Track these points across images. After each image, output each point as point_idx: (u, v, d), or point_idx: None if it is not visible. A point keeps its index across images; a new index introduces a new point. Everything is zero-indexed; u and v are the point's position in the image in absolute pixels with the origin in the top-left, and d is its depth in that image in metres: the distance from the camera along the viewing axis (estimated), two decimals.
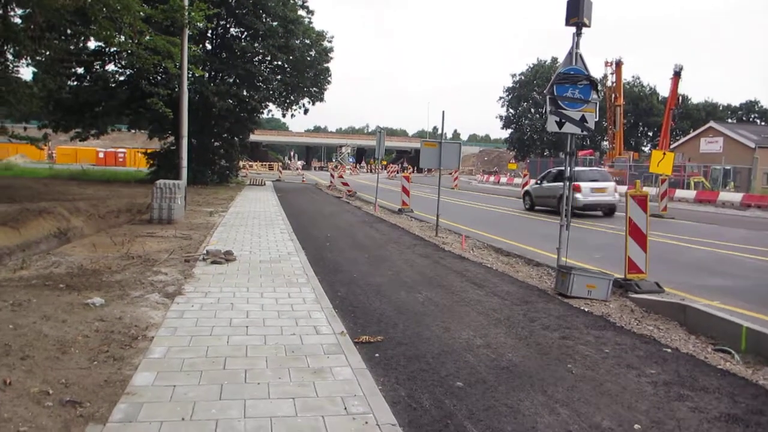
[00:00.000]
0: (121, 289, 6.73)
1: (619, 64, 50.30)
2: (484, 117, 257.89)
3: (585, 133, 8.51)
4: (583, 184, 19.64)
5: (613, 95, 51.32)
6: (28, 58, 21.94)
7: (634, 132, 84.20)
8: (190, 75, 29.54)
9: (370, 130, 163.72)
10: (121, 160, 65.50)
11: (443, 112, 13.36)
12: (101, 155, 65.48)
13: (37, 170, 38.29)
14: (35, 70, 26.53)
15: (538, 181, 23.59)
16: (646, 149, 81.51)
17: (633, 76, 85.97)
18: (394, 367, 4.75)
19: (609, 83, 52.80)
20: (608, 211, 20.49)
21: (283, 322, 5.72)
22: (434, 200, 26.61)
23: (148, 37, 16.22)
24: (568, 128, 8.15)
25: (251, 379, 4.21)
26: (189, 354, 4.67)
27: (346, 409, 3.79)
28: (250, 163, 65.80)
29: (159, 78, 27.82)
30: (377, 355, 5.01)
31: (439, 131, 13.59)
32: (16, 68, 20.77)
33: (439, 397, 4.19)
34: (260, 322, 5.67)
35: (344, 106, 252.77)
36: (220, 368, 4.41)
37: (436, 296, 7.38)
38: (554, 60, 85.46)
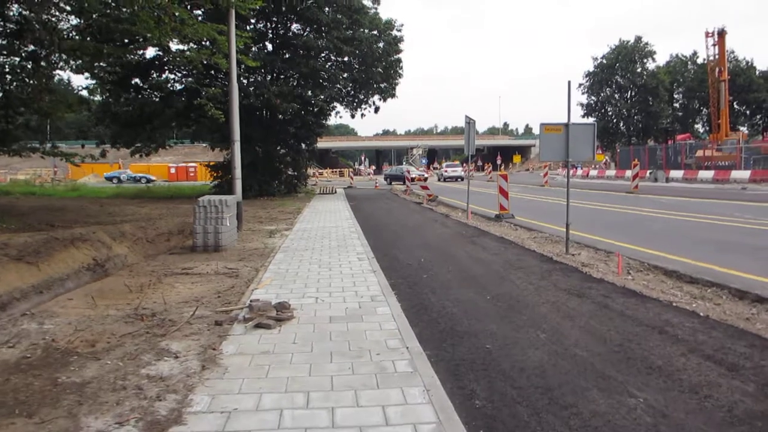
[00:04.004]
0: (75, 408, 3.63)
1: (722, 34, 44.66)
2: (556, 110, 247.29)
3: None
4: (448, 169, 53.54)
5: (717, 69, 45.54)
6: (79, 67, 20.04)
7: (729, 111, 76.95)
8: (253, 79, 27.27)
9: (439, 131, 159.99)
10: (192, 174, 64.73)
11: (569, 82, 9.78)
12: (173, 170, 65.01)
13: (104, 189, 37.03)
14: (91, 81, 24.81)
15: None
16: (744, 129, 73.90)
17: (727, 50, 78.58)
18: None
19: (710, 57, 47.23)
20: (460, 179, 47.85)
21: None
22: (529, 200, 22.91)
23: (183, 20, 13.46)
24: None
25: None
26: None
27: None
28: (320, 170, 63.38)
29: (217, 82, 25.51)
30: None
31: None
32: (55, 74, 18.79)
33: None
34: None
35: (411, 108, 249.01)
36: None
37: (671, 403, 3.79)
38: (638, 39, 79.22)
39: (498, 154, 78.16)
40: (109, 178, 54.99)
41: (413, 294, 7.15)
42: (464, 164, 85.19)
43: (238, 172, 14.29)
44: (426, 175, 45.23)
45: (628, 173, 44.67)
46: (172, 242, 14.02)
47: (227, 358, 4.68)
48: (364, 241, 12.02)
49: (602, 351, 4.85)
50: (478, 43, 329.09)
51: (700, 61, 78.85)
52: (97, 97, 27.09)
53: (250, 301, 6.36)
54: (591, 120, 79.32)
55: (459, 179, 48.75)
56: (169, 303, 6.63)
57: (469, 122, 17.26)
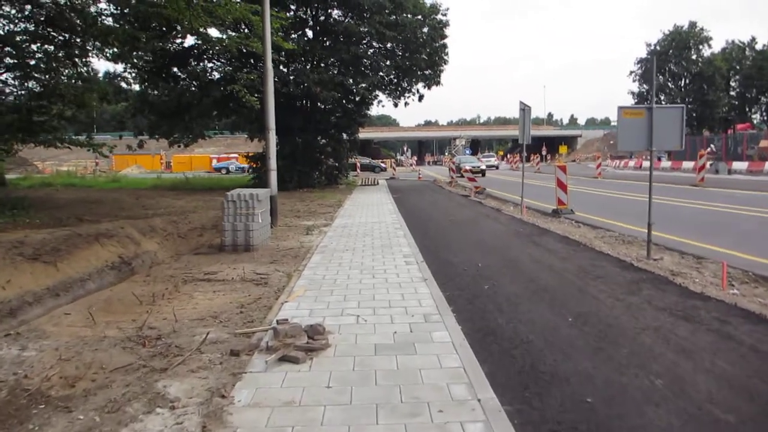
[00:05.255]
0: None
1: None
2: (601, 98, 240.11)
3: None
4: (483, 159, 54.98)
5: None
6: (114, 55, 19.27)
7: None
8: (293, 67, 26.27)
9: (481, 121, 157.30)
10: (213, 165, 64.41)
11: (653, 57, 8.33)
12: (215, 161, 64.80)
13: (144, 180, 36.68)
14: (124, 69, 24.20)
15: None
16: None
17: None
18: None
19: None
20: (495, 168, 55.15)
21: None
22: (584, 193, 21.27)
23: None
24: None
25: None
26: None
27: None
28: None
29: (255, 71, 24.60)
30: None
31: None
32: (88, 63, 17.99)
33: None
34: None
35: (454, 98, 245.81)
36: None
37: None
38: (692, 25, 75.51)
39: (543, 144, 75.76)
40: (218, 169, 55.72)
41: (475, 312, 5.86)
42: (508, 155, 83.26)
43: (273, 162, 13.17)
44: (483, 167, 40.01)
45: (685, 165, 42.21)
46: (204, 237, 13.09)
47: (238, 412, 3.50)
48: (410, 240, 10.79)
49: (753, 412, 3.50)
50: (520, 31, 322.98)
51: (759, 47, 74.86)
52: (135, 87, 26.61)
53: (277, 321, 5.19)
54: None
55: (495, 167, 55.41)
56: (181, 320, 5.52)
57: (524, 109, 15.84)
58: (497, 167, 57.55)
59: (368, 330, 5.15)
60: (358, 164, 46.90)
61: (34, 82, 17.32)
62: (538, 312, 5.80)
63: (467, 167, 32.11)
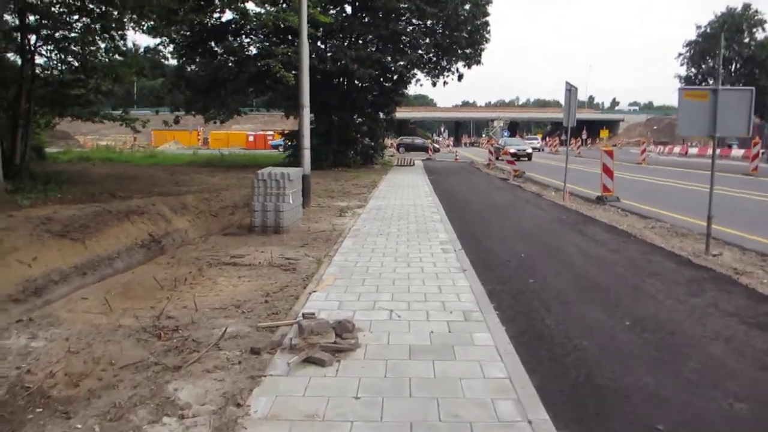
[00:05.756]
0: None
1: None
2: (644, 83, 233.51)
3: None
4: (513, 146, 35.64)
5: None
6: (150, 29, 19.04)
7: None
8: (331, 43, 25.75)
9: (520, 103, 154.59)
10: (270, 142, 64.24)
11: (722, 35, 7.61)
12: (251, 138, 64.77)
13: (180, 156, 36.75)
14: (167, 44, 24.04)
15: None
16: None
17: None
18: None
19: None
20: (538, 150, 52.16)
21: None
22: (628, 180, 20.38)
23: None
24: None
25: None
26: None
27: None
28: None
29: (293, 47, 24.15)
30: None
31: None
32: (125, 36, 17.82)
33: None
34: None
35: (492, 79, 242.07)
36: None
37: None
38: (746, 7, 72.14)
39: (584, 128, 73.80)
40: (275, 146, 54.85)
41: (520, 310, 5.33)
42: (547, 138, 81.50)
43: (307, 141, 12.73)
44: (529, 150, 38.66)
45: (734, 153, 40.52)
46: (236, 216, 12.81)
47: (253, 425, 3.08)
48: (447, 225, 10.27)
49: None
50: (561, 13, 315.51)
51: None
52: (173, 62, 26.51)
53: (303, 314, 4.76)
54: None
55: (539, 150, 52.99)
56: (202, 309, 5.15)
57: (570, 89, 15.03)
58: (541, 150, 55.85)
59: (402, 328, 4.69)
60: (394, 144, 46.04)
61: (71, 56, 17.22)
62: (590, 313, 5.25)
63: (512, 150, 30.16)
